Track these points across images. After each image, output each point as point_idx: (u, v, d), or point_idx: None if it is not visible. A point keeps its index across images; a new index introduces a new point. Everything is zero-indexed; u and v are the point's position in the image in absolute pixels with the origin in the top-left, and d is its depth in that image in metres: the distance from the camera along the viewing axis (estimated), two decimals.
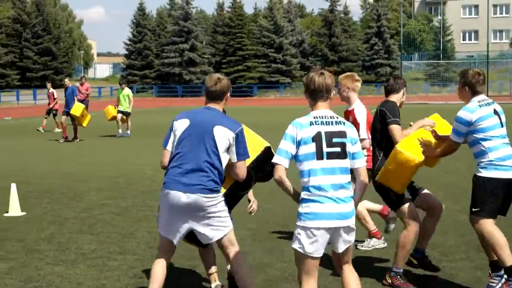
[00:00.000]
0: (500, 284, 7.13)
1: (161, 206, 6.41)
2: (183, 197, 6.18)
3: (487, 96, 7.38)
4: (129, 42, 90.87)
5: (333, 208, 5.57)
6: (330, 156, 5.59)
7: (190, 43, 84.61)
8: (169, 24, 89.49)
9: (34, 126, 33.57)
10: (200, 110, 6.54)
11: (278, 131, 27.48)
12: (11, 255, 8.83)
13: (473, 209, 7.10)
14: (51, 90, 31.75)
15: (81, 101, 29.69)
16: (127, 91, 28.75)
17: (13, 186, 11.82)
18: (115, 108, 28.01)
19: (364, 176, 5.81)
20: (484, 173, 7.02)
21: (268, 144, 7.00)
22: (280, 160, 5.76)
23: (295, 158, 5.74)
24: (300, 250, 5.69)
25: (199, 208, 6.26)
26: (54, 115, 31.00)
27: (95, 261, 8.49)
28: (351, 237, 5.71)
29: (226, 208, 6.57)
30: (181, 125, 6.38)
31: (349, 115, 8.81)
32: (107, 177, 15.89)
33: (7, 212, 11.59)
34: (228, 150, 6.35)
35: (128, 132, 28.18)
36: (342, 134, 5.65)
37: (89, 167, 17.79)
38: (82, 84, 33.39)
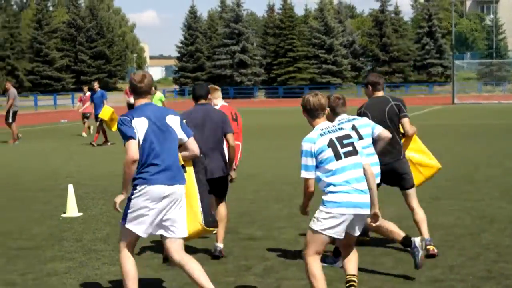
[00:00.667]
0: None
1: (137, 203, 6.49)
2: (167, 190, 6.48)
3: None
4: (181, 45, 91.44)
5: (356, 198, 6.43)
6: (346, 155, 6.47)
7: (241, 45, 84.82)
8: (220, 27, 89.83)
9: None
10: (146, 107, 6.68)
11: None
12: (69, 255, 8.95)
13: None
14: (88, 93, 30.11)
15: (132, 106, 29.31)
16: (159, 95, 28.14)
17: (70, 187, 11.97)
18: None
19: (369, 167, 6.65)
20: None
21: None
22: (309, 175, 6.67)
23: (317, 167, 6.58)
24: (321, 231, 6.45)
25: (179, 198, 6.60)
26: (87, 118, 30.07)
27: (151, 261, 8.56)
28: (363, 224, 6.71)
29: None
30: (141, 124, 6.53)
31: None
32: None
33: (65, 213, 11.76)
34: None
35: None
36: (349, 136, 6.62)
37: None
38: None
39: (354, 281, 6.74)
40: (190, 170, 7.12)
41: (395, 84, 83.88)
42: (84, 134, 29.67)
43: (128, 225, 6.60)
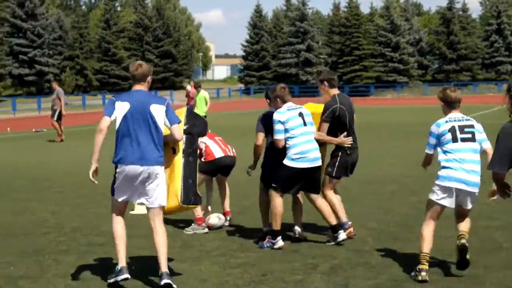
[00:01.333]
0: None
1: (118, 179, 7.74)
2: (139, 169, 7.49)
3: None
4: (246, 44, 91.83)
5: (463, 175, 7.57)
6: (464, 140, 7.66)
7: (306, 44, 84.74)
8: (285, 25, 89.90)
9: None
10: (134, 93, 7.72)
11: (393, 131, 26.84)
12: (138, 251, 9.05)
13: None
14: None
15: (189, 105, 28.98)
16: (203, 93, 27.83)
17: None
18: None
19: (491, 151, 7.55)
20: None
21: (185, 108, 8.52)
22: (429, 151, 8.07)
23: (437, 145, 7.92)
24: (436, 201, 7.72)
25: (152, 176, 7.53)
26: None
27: (218, 258, 8.60)
28: (475, 201, 7.75)
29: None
30: (122, 106, 7.57)
31: None
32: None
33: (133, 210, 11.89)
34: (164, 121, 7.58)
35: None
36: (471, 126, 7.79)
37: None
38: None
39: (464, 234, 7.76)
40: (179, 152, 7.90)
41: (462, 82, 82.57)
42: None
43: (115, 197, 7.80)
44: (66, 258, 8.78)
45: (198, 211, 10.18)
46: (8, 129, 34.99)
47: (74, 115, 51.45)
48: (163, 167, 7.62)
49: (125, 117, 7.53)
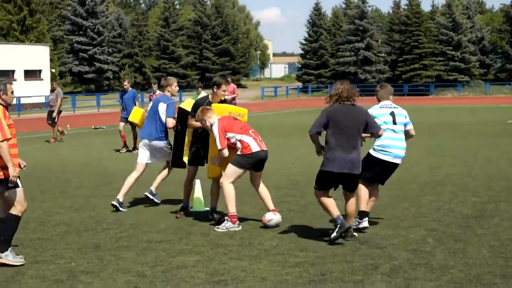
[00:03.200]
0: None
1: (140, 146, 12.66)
2: (148, 142, 12.34)
3: None
4: (304, 42, 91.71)
5: None
6: None
7: (365, 42, 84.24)
8: (344, 23, 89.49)
9: None
10: (159, 96, 13.08)
11: (453, 129, 26.56)
12: (197, 248, 9.13)
13: None
14: (158, 92, 25.29)
15: (228, 103, 27.52)
16: (204, 94, 24.85)
17: (197, 183, 12.23)
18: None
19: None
20: None
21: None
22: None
23: None
24: None
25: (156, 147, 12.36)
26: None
27: (277, 257, 8.62)
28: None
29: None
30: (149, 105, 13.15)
31: None
32: (287, 175, 16.11)
33: (192, 207, 12.00)
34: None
35: None
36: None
37: (269, 165, 18.03)
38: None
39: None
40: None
41: None
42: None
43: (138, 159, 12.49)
44: (126, 254, 8.90)
45: (231, 209, 10.28)
46: (68, 125, 35.54)
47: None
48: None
49: (147, 111, 13.30)
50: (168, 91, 12.49)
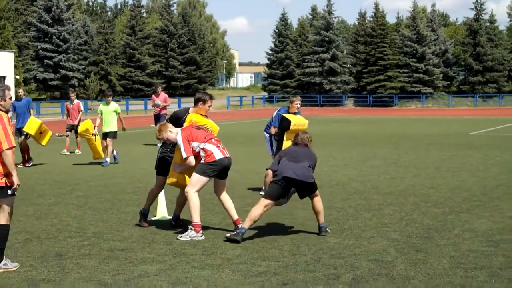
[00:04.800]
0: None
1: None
2: None
3: None
4: (270, 52, 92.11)
5: None
6: None
7: (331, 53, 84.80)
8: (310, 34, 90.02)
9: None
10: None
11: (413, 140, 26.74)
12: (160, 257, 9.09)
13: None
14: (76, 101, 25.45)
15: (159, 116, 27.18)
16: (114, 105, 21.60)
17: (161, 192, 12.18)
18: (94, 128, 20.69)
19: None
20: None
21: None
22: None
23: None
24: None
25: None
26: (77, 131, 23.34)
27: (239, 266, 8.61)
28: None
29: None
30: None
31: None
32: (251, 184, 16.12)
33: (155, 216, 11.96)
34: None
35: (108, 160, 20.63)
36: None
37: (234, 175, 18.03)
38: (157, 95, 27.98)
39: None
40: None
41: (488, 94, 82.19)
42: (77, 150, 24.73)
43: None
44: (88, 262, 8.84)
45: (195, 218, 10.27)
46: None
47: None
48: None
49: None
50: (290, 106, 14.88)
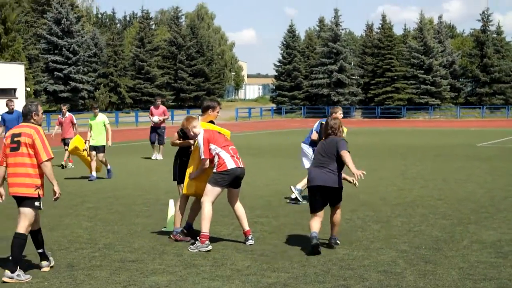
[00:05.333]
0: None
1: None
2: None
3: None
4: (278, 64, 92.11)
5: None
6: None
7: (338, 65, 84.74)
8: (318, 46, 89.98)
9: None
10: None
11: (417, 152, 26.55)
12: (170, 268, 9.11)
13: None
14: (68, 114, 24.80)
15: (156, 128, 27.12)
16: (101, 117, 21.07)
17: (171, 203, 12.21)
18: (85, 142, 20.57)
19: None
20: None
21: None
22: None
23: None
24: None
25: None
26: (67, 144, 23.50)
27: (249, 277, 8.63)
28: None
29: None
30: None
31: None
32: (261, 196, 16.13)
33: (165, 227, 11.98)
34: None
35: (94, 174, 20.25)
36: None
37: (244, 186, 18.03)
38: (157, 107, 27.35)
39: None
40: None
41: (496, 105, 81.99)
42: (69, 164, 24.28)
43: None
44: (99, 273, 8.87)
45: (204, 229, 10.29)
46: None
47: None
48: None
49: None
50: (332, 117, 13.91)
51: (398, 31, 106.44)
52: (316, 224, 10.19)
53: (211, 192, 10.40)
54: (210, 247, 10.16)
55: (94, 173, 20.15)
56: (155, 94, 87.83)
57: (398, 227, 11.99)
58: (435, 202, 14.97)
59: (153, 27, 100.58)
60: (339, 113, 14.57)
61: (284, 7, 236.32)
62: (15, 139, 8.82)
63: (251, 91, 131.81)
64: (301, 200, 14.79)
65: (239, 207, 10.77)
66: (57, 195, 8.99)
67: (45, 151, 8.77)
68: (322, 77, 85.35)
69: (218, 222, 12.39)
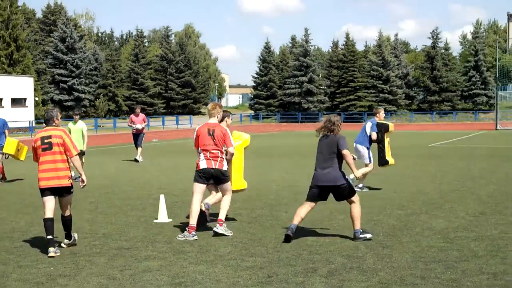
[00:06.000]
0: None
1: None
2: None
3: None
4: (256, 76, 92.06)
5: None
6: None
7: (308, 76, 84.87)
8: (290, 60, 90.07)
9: (177, 147, 34.35)
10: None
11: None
12: (161, 254, 9.08)
13: None
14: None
15: (137, 134, 25.27)
16: (81, 124, 19.65)
17: (162, 197, 12.17)
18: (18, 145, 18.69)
19: None
20: None
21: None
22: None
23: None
24: None
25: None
26: None
27: (230, 262, 8.61)
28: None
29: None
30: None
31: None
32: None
33: (157, 219, 11.94)
34: None
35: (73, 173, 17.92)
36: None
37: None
38: (137, 115, 25.57)
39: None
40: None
41: (444, 111, 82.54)
42: None
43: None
44: (99, 259, 8.82)
45: (192, 221, 10.24)
46: None
47: (106, 136, 51.64)
48: None
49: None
50: (377, 116, 15.94)
51: (360, 47, 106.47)
52: (302, 211, 9.91)
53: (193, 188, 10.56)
54: (196, 237, 10.12)
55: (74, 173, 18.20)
56: (148, 102, 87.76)
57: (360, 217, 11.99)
58: (392, 195, 15.01)
59: (146, 44, 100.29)
60: (381, 113, 15.62)
61: (261, 26, 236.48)
62: (45, 141, 9.37)
63: (232, 99, 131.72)
64: (360, 188, 15.52)
65: (224, 198, 10.87)
66: (84, 183, 9.81)
67: (73, 148, 9.49)
68: (294, 87, 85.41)
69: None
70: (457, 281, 7.49)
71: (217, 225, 10.42)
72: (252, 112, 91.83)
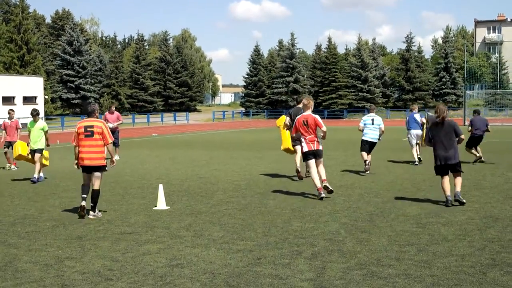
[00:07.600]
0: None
1: None
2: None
3: None
4: (247, 76, 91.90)
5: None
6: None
7: (294, 77, 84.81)
8: (278, 62, 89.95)
9: (175, 141, 34.25)
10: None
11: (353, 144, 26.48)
12: (160, 239, 9.05)
13: None
14: (15, 119, 21.16)
15: (112, 132, 21.32)
16: (41, 123, 17.33)
17: (160, 187, 12.13)
18: (28, 145, 17.42)
19: None
20: None
21: None
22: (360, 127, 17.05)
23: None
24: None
25: None
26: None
27: (223, 245, 8.59)
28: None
29: None
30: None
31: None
32: (232, 181, 16.09)
33: (156, 206, 11.91)
34: None
35: (42, 174, 16.94)
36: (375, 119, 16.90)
37: (218, 173, 18.04)
38: (111, 112, 23.43)
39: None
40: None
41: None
42: (13, 166, 20.34)
43: None
44: (103, 243, 8.78)
45: (317, 184, 12.62)
46: (58, 141, 34.99)
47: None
48: None
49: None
50: (414, 109, 20.81)
51: (341, 50, 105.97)
52: (446, 184, 11.72)
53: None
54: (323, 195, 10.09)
55: (36, 175, 16.42)
56: (148, 100, 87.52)
57: (341, 204, 12.03)
58: (370, 184, 15.04)
59: (146, 47, 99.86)
60: (416, 108, 20.73)
61: (251, 31, 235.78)
62: (88, 129, 10.86)
63: (225, 97, 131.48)
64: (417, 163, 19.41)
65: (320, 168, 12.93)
66: (114, 164, 11.31)
67: (109, 136, 10.99)
68: (281, 86, 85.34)
69: (197, 201, 12.35)
70: (428, 262, 7.50)
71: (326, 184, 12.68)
72: (243, 109, 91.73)
